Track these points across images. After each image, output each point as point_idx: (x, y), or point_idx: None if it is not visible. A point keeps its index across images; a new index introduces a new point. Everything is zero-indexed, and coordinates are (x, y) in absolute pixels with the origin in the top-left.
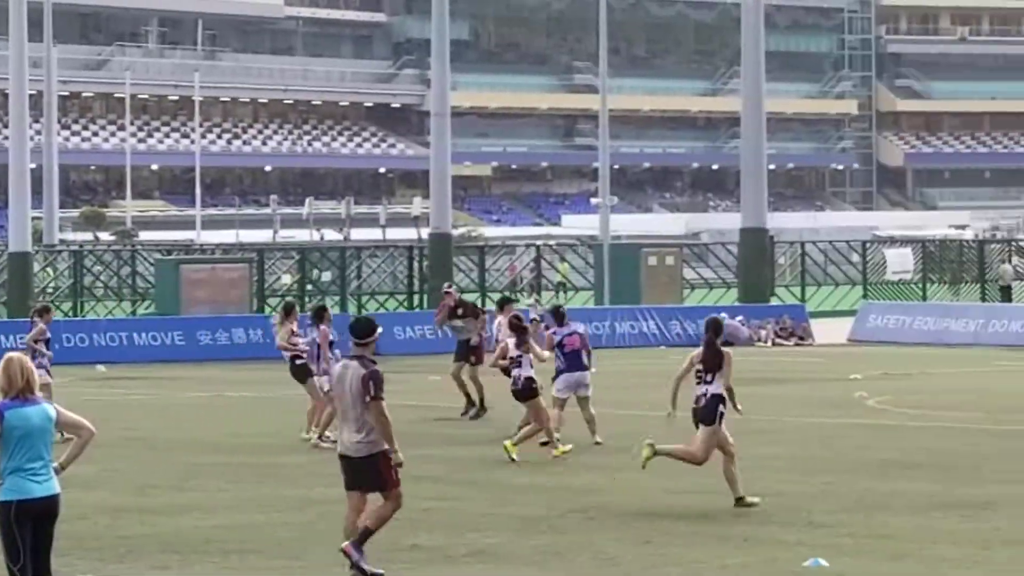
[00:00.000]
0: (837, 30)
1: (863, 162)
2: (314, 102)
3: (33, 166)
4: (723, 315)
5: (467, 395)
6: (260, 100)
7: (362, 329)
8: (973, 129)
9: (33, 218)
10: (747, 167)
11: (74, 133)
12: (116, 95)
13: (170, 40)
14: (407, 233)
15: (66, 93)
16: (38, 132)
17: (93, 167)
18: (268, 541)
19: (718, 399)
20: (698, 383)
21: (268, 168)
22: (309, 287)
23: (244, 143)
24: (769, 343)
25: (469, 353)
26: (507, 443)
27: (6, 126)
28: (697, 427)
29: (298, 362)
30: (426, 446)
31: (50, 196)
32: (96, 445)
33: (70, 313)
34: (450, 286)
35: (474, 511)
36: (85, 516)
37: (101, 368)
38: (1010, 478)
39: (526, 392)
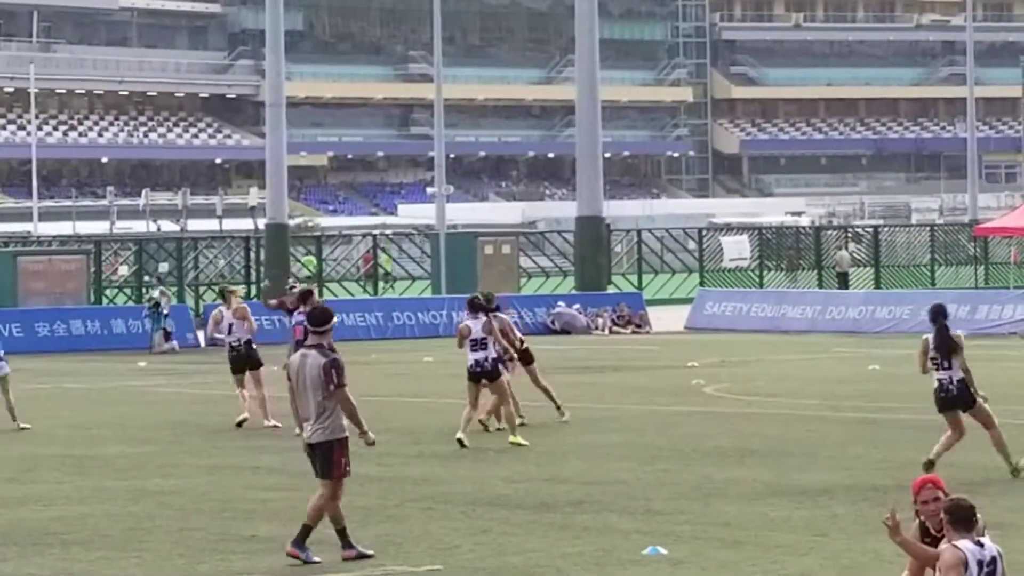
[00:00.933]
0: (671, 17)
1: (699, 149)
2: (150, 93)
3: None
4: (561, 303)
5: None
6: (96, 92)
7: (319, 318)
8: (808, 115)
9: None
10: (582, 155)
11: None
12: None
13: (5, 32)
14: (244, 224)
15: None
16: None
17: None
18: (108, 532)
19: (963, 381)
20: (936, 370)
21: (104, 160)
22: (147, 278)
23: (80, 135)
24: (606, 331)
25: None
26: (511, 438)
27: None
28: (949, 413)
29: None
30: (262, 438)
31: None
32: None
33: None
34: (294, 285)
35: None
36: None
37: None
38: (846, 465)
39: (494, 373)
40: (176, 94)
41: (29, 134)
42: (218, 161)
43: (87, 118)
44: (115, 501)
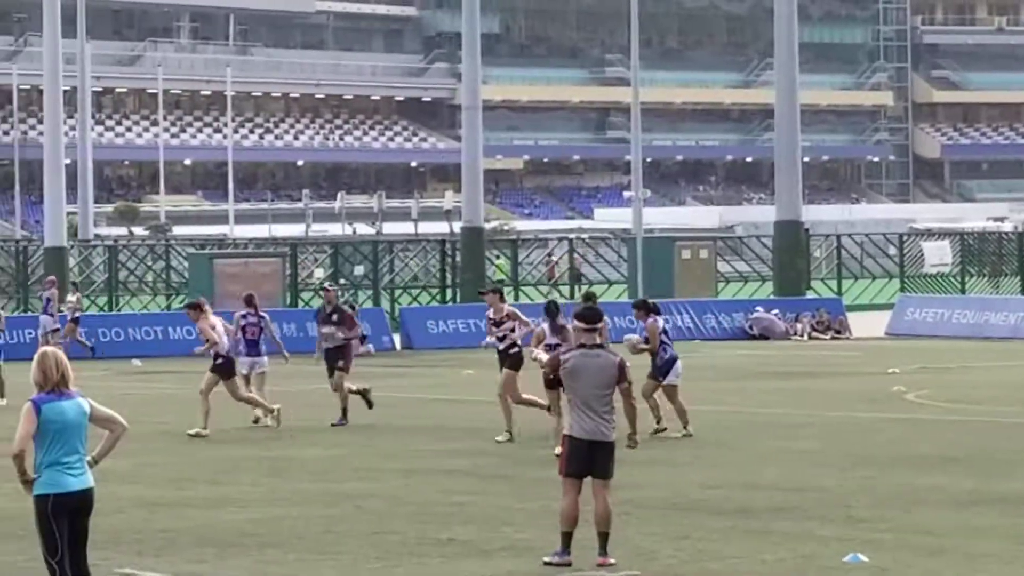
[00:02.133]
0: (872, 21)
1: (899, 154)
2: (345, 96)
3: (68, 162)
4: (759, 308)
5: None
6: (292, 95)
7: (593, 316)
8: (1011, 120)
9: (68, 213)
10: (781, 160)
11: (108, 129)
12: (149, 90)
13: (202, 35)
14: (439, 227)
15: (100, 89)
16: (72, 128)
17: (127, 162)
18: (303, 535)
19: None
20: None
21: (300, 163)
22: (342, 281)
23: (276, 138)
24: (805, 337)
25: (337, 359)
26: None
27: (41, 122)
28: None
29: (219, 360)
30: (455, 440)
31: (85, 191)
32: (131, 439)
33: (105, 308)
34: (331, 285)
35: (507, 505)
36: (122, 510)
37: (136, 362)
38: None
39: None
40: (372, 97)
41: (225, 137)
42: (413, 164)
43: (283, 121)
44: (311, 504)
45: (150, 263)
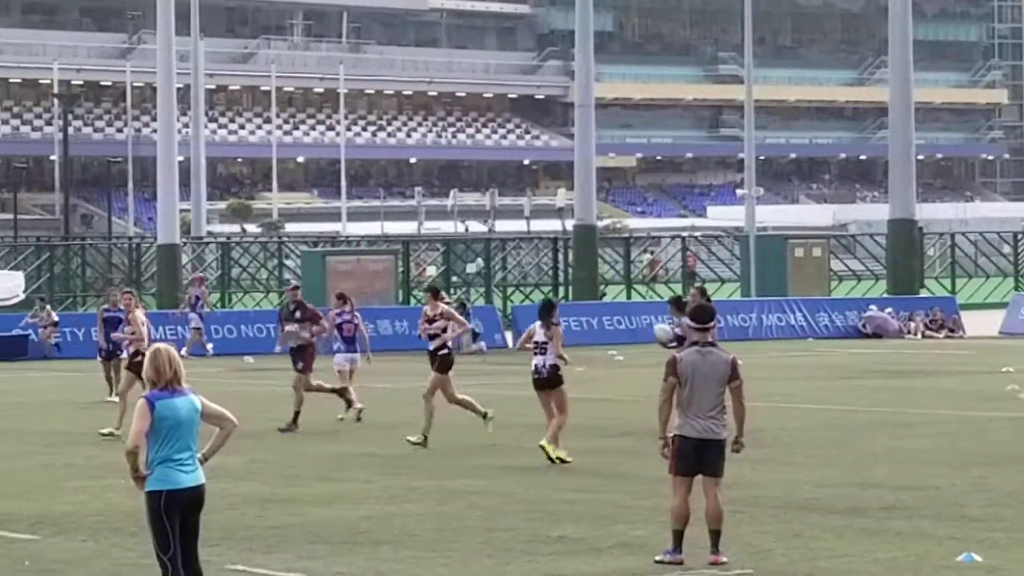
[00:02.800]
0: (986, 19)
1: (1014, 152)
2: (458, 94)
3: (181, 159)
4: (872, 307)
5: (344, 396)
6: (405, 92)
7: (707, 315)
8: None
9: (181, 211)
10: (895, 157)
11: (221, 126)
12: (262, 88)
13: (315, 33)
14: (552, 225)
15: (213, 86)
16: (186, 125)
17: (240, 160)
18: (416, 532)
19: None
20: None
21: (413, 160)
22: (454, 279)
23: (389, 135)
24: (919, 335)
25: (298, 360)
26: (543, 443)
27: (154, 120)
28: None
29: (137, 358)
30: (568, 438)
31: (198, 189)
32: (243, 436)
33: (218, 305)
34: (296, 287)
35: (619, 503)
36: (234, 506)
37: (249, 360)
38: None
39: (553, 380)
40: (485, 95)
41: (338, 135)
42: (526, 162)
43: (396, 119)
44: (423, 501)
45: (262, 260)
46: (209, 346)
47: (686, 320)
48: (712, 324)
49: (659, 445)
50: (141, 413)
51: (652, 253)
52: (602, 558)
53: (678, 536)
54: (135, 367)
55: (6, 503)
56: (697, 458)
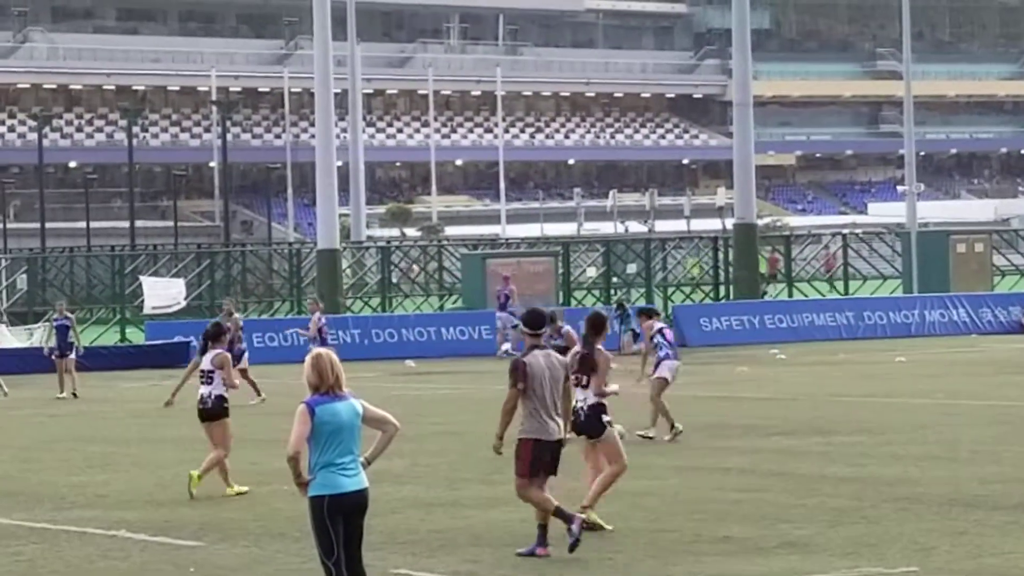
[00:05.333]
0: None
1: None
2: (616, 94)
3: (339, 164)
4: None
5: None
6: (562, 94)
7: (537, 321)
8: None
9: (340, 215)
10: None
11: (379, 130)
12: (419, 92)
13: (472, 36)
14: (711, 224)
15: (370, 91)
16: (344, 130)
17: (398, 164)
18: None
19: None
20: None
21: (571, 161)
22: (615, 279)
23: (547, 137)
24: None
25: None
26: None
27: (312, 125)
28: None
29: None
30: (731, 438)
31: (357, 193)
32: (405, 439)
33: (378, 309)
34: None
35: (783, 502)
36: (397, 510)
37: (410, 363)
38: None
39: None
40: (642, 95)
41: (496, 137)
42: (685, 161)
43: (553, 120)
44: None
45: (422, 264)
46: (505, 346)
47: (523, 327)
48: (543, 330)
49: (495, 444)
50: (301, 418)
51: (829, 249)
52: (767, 558)
53: (543, 529)
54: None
55: (171, 509)
56: (550, 460)
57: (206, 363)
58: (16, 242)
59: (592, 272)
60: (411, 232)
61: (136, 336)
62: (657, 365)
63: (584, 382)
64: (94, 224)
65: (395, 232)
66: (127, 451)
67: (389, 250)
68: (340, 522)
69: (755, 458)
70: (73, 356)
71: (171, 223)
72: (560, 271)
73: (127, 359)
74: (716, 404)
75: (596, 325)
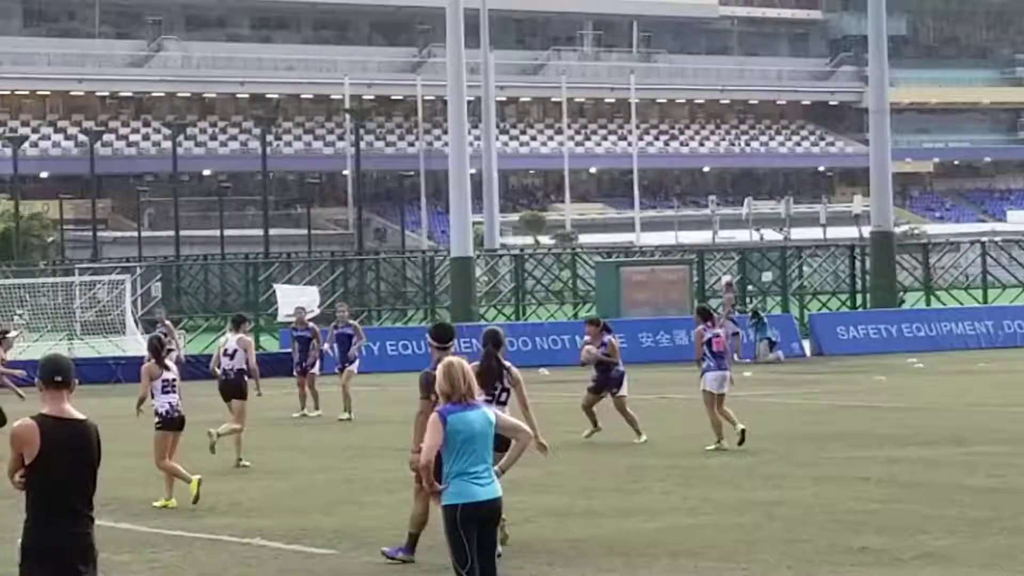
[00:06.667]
0: None
1: None
2: (751, 101)
3: (473, 171)
4: None
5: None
6: (696, 101)
7: (446, 334)
8: None
9: (474, 223)
10: None
11: (512, 138)
12: (553, 99)
13: (605, 43)
14: (848, 232)
15: (503, 98)
16: (477, 138)
17: (532, 171)
18: (715, 543)
19: None
20: None
21: (706, 169)
22: (750, 287)
23: (681, 144)
24: None
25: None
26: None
27: (446, 133)
28: None
29: None
30: (870, 447)
31: (490, 201)
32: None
33: (512, 317)
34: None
35: (921, 513)
36: (531, 519)
37: (544, 372)
38: None
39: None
40: (777, 102)
41: (630, 144)
42: (821, 169)
43: (688, 127)
44: (722, 512)
45: (556, 272)
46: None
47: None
48: (451, 344)
49: (410, 457)
50: (434, 427)
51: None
52: (904, 569)
53: (413, 539)
54: None
55: (306, 518)
56: None
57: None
58: (151, 250)
59: (727, 280)
60: (545, 240)
61: (270, 343)
62: (620, 379)
63: (503, 398)
64: (228, 232)
65: (529, 240)
66: (261, 458)
67: (523, 258)
68: (474, 531)
69: (893, 468)
70: (316, 371)
71: (304, 231)
72: (695, 279)
73: (261, 367)
74: (853, 413)
75: (496, 340)
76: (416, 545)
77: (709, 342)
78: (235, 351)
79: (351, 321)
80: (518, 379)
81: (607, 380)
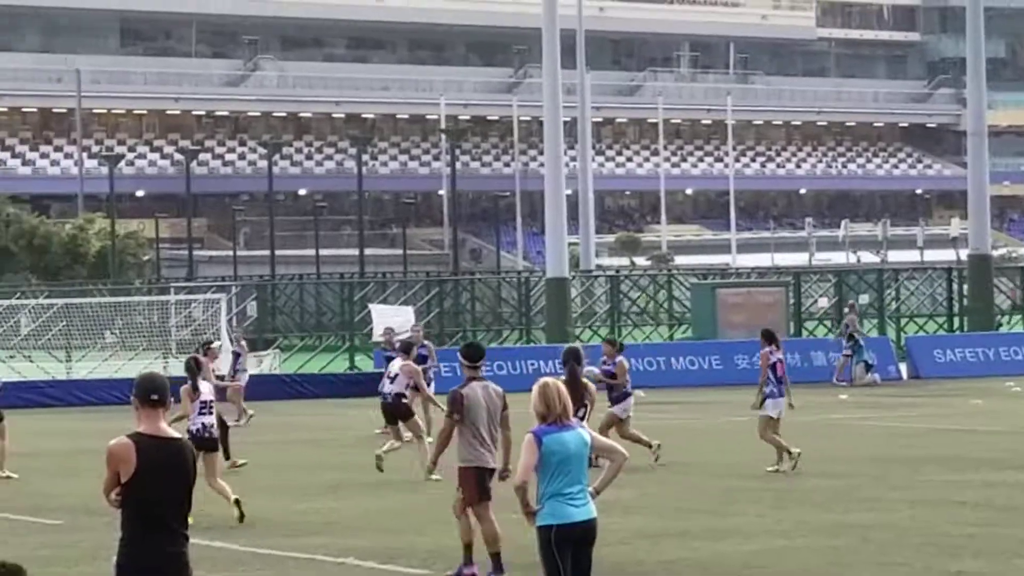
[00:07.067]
0: None
1: None
2: (848, 123)
3: (569, 192)
4: None
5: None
6: (793, 122)
7: (477, 353)
8: None
9: (570, 244)
10: None
11: (608, 159)
12: (649, 120)
13: (702, 64)
14: (945, 254)
15: (600, 119)
16: (573, 159)
17: (627, 192)
18: (808, 566)
19: None
20: None
21: (802, 191)
22: (846, 311)
23: (778, 166)
24: None
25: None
26: None
27: (541, 153)
28: None
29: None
30: (967, 471)
31: (586, 222)
32: (634, 469)
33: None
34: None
35: (1018, 537)
36: (625, 540)
37: (640, 393)
38: None
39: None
40: (875, 124)
41: (727, 166)
42: (918, 191)
43: (784, 149)
44: (816, 535)
45: (652, 293)
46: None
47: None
48: (481, 364)
49: (426, 471)
50: (529, 448)
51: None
52: None
53: (496, 557)
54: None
55: (400, 537)
56: (486, 486)
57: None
58: (246, 269)
59: (824, 303)
60: (640, 261)
61: (365, 364)
62: (621, 398)
63: (581, 414)
64: (323, 252)
65: (624, 261)
66: (356, 478)
67: (618, 279)
68: (568, 552)
69: (989, 492)
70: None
71: (400, 251)
72: (791, 301)
73: (356, 387)
74: (949, 437)
75: (577, 357)
76: (500, 563)
77: (773, 366)
78: (396, 375)
79: (426, 342)
80: (595, 398)
81: (618, 399)
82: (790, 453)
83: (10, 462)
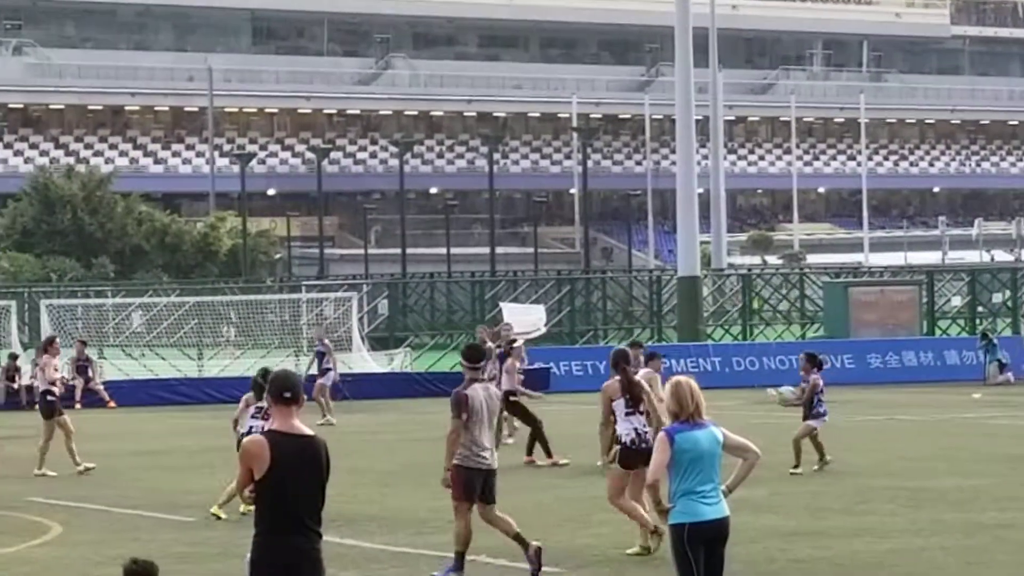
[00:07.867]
0: None
1: None
2: (982, 121)
3: (700, 191)
4: None
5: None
6: (927, 121)
7: (477, 355)
8: None
9: (701, 242)
10: None
11: (740, 157)
12: (781, 118)
13: (835, 62)
14: None
15: (732, 118)
16: (705, 157)
17: (759, 191)
18: (942, 566)
19: None
20: None
21: (936, 189)
22: (980, 309)
23: (911, 164)
24: None
25: None
26: None
27: (673, 152)
28: None
29: (49, 398)
30: None
31: (718, 220)
32: (766, 468)
33: (739, 337)
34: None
35: None
36: (756, 540)
37: (771, 392)
38: None
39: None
40: (1009, 122)
41: (859, 164)
42: None
43: (918, 147)
44: (950, 534)
45: (784, 292)
46: None
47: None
48: (481, 364)
49: (444, 476)
50: (661, 446)
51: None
52: None
53: (461, 556)
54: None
55: (531, 535)
56: (482, 486)
57: None
58: (377, 267)
59: (957, 301)
60: (772, 260)
61: None
62: (813, 416)
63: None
64: (454, 250)
65: (756, 260)
66: None
67: (750, 278)
68: (701, 550)
69: None
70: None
71: (531, 249)
72: (924, 300)
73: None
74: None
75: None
76: (463, 563)
77: (821, 390)
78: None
79: (325, 341)
80: (652, 398)
81: (815, 416)
82: (798, 464)
83: (137, 459)
